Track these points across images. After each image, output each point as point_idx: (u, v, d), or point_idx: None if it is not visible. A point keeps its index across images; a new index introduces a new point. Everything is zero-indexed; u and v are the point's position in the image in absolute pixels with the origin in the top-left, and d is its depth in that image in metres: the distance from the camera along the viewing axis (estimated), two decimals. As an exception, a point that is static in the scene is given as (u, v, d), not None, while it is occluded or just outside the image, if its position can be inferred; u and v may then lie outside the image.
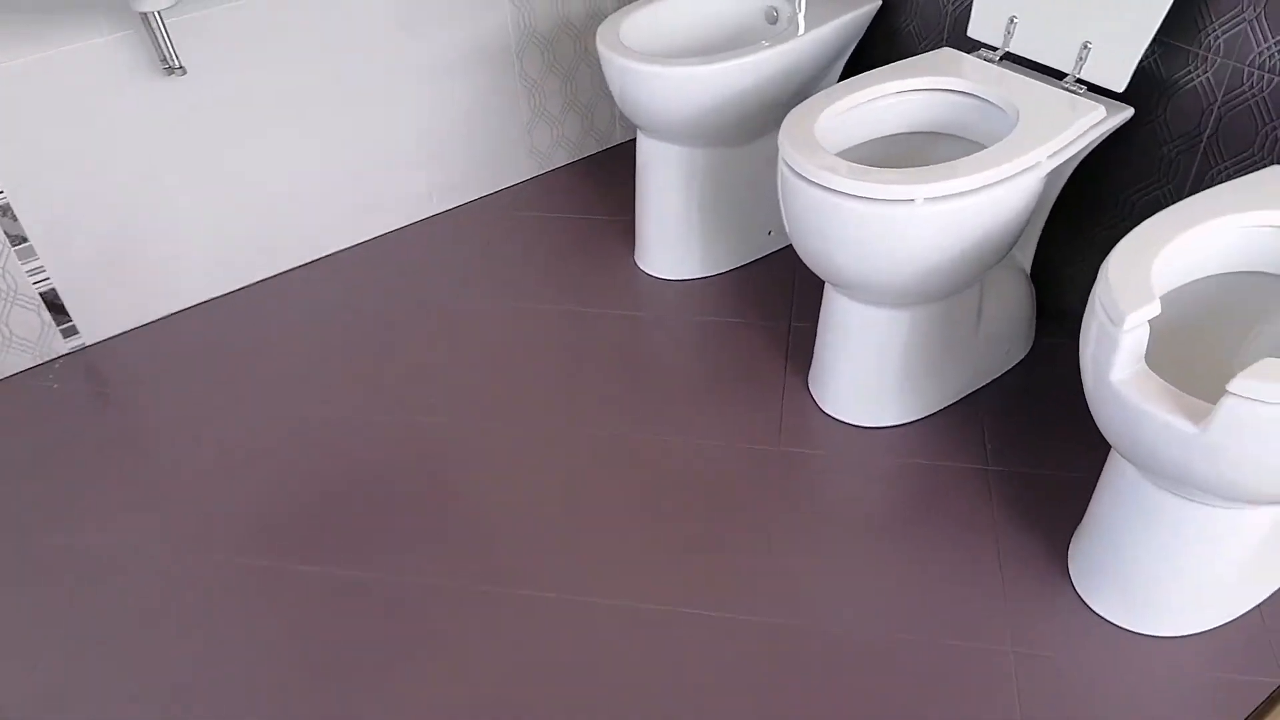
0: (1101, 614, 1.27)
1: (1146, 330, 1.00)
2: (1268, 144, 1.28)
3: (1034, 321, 1.64)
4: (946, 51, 1.50)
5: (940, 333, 1.47)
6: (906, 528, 1.40)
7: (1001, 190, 1.25)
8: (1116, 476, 1.21)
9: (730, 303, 1.83)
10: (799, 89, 1.70)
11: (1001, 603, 1.29)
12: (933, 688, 1.20)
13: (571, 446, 1.56)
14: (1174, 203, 1.41)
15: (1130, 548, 1.21)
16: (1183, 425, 0.97)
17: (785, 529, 1.41)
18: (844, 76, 1.83)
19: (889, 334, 1.45)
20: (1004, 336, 1.59)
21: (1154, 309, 0.99)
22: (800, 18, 1.68)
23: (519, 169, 2.20)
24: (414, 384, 1.69)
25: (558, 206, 2.13)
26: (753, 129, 1.73)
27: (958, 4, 1.61)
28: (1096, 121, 1.32)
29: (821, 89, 1.78)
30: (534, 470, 1.52)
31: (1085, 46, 1.36)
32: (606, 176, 2.22)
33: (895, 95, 1.44)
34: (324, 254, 2.01)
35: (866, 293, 1.38)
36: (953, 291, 1.39)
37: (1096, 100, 1.35)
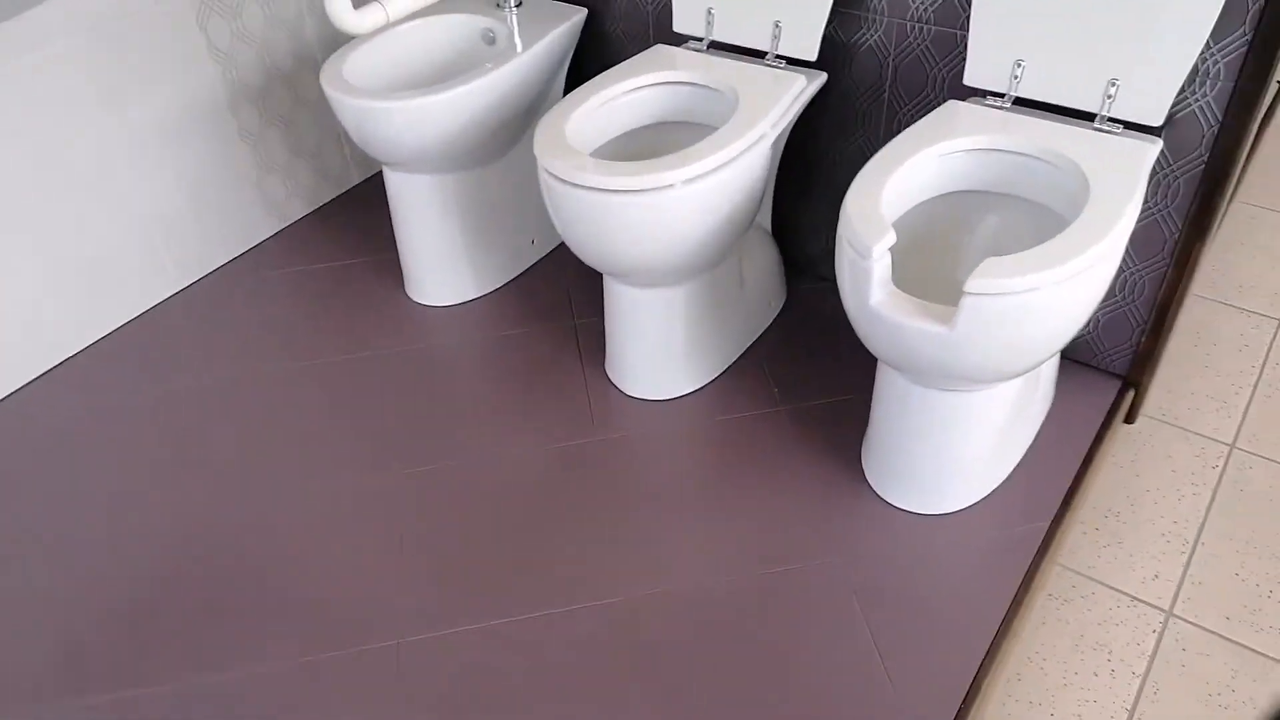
0: (899, 505, 1.47)
1: (889, 257, 1.18)
2: (938, 83, 1.52)
3: (784, 273, 1.84)
4: (659, 48, 1.64)
5: (713, 300, 1.61)
6: (723, 479, 1.53)
7: (743, 162, 1.40)
8: (887, 386, 1.40)
9: (512, 315, 1.89)
10: (531, 103, 1.79)
11: (819, 520, 1.46)
12: (787, 610, 1.34)
13: (386, 492, 1.56)
14: (876, 148, 1.65)
15: (908, 443, 1.40)
16: (936, 329, 1.15)
17: (618, 508, 1.50)
18: (568, 82, 1.94)
19: (670, 310, 1.58)
20: (764, 292, 1.76)
21: (891, 238, 1.17)
22: (516, 37, 1.77)
23: (259, 228, 2.13)
24: (199, 470, 1.61)
25: (311, 257, 2.09)
26: (497, 146, 1.80)
27: (655, 4, 1.76)
28: (800, 90, 1.51)
29: (550, 98, 1.88)
30: (353, 526, 1.51)
31: (777, 26, 1.54)
32: (355, 218, 2.20)
33: (628, 94, 1.56)
34: (66, 355, 1.85)
35: (644, 277, 1.50)
36: (718, 261, 1.54)
37: (796, 71, 1.54)
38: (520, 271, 2.00)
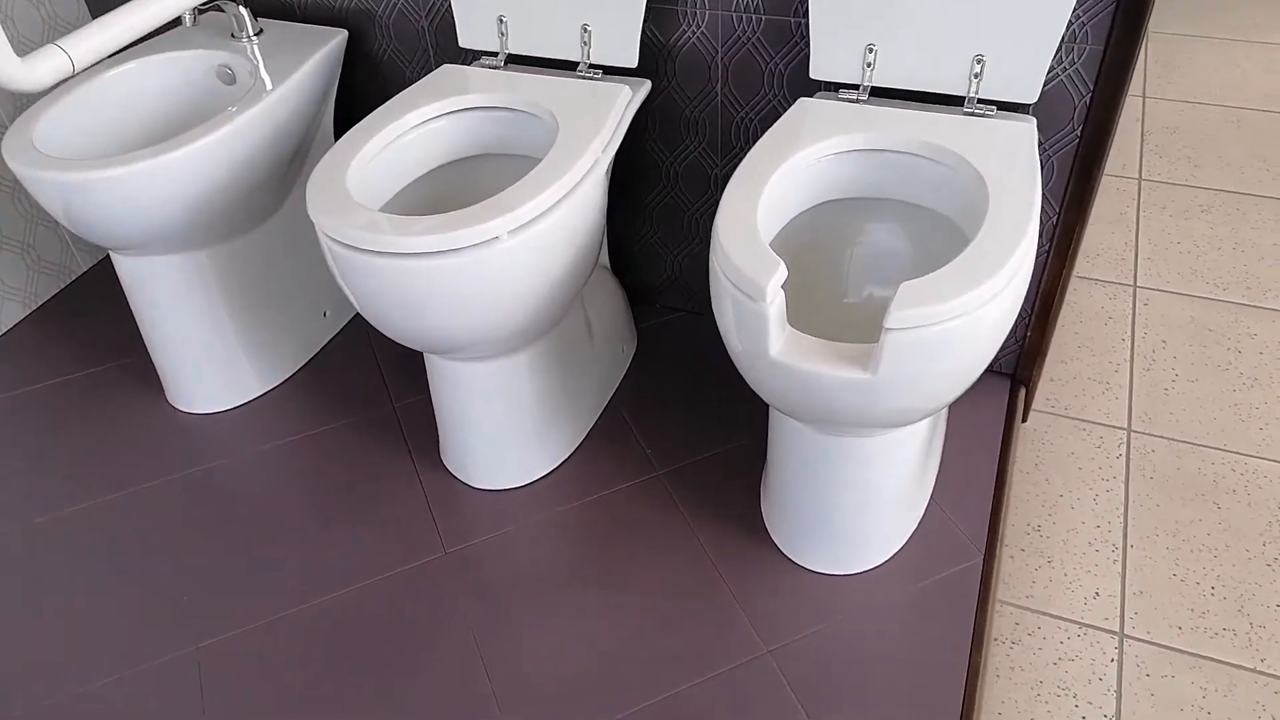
0: (818, 569, 1.26)
1: (783, 295, 0.96)
2: (776, 80, 1.32)
3: (630, 311, 1.59)
4: (447, 69, 1.35)
5: (561, 362, 1.35)
6: (607, 573, 1.27)
7: (580, 195, 1.14)
8: (787, 438, 1.19)
9: (312, 411, 1.54)
10: (293, 150, 1.45)
11: (731, 604, 1.22)
12: (709, 692, 1.10)
13: (173, 676, 1.19)
14: (714, 159, 1.44)
15: (819, 499, 1.20)
16: (855, 375, 0.94)
17: (486, 634, 1.20)
18: (338, 119, 1.61)
19: (511, 383, 1.30)
20: (615, 338, 1.51)
21: (783, 272, 0.95)
22: (262, 72, 1.43)
23: (-42, 346, 1.67)
24: (-80, 693, 1.18)
25: (37, 372, 1.64)
26: (257, 208, 1.45)
27: (432, 17, 1.47)
28: (626, 101, 1.27)
29: (319, 142, 1.54)
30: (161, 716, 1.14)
31: (586, 30, 1.29)
32: (88, 314, 1.77)
33: (419, 127, 1.26)
34: None
35: (475, 350, 1.21)
36: (563, 315, 1.27)
37: (616, 81, 1.30)
38: (314, 353, 1.65)
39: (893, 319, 0.90)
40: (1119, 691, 1.19)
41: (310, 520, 1.36)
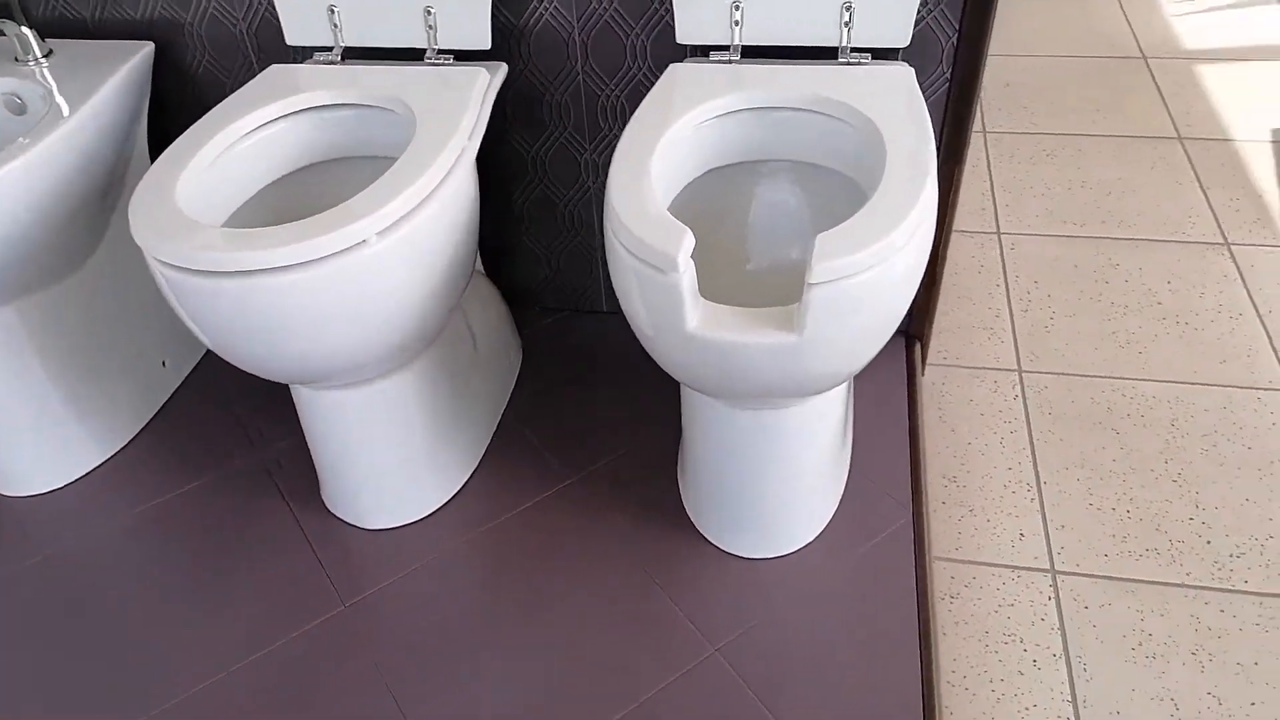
0: (753, 555, 1.19)
1: (694, 265, 0.89)
2: (640, 52, 1.26)
3: (512, 317, 1.49)
4: (276, 70, 1.21)
5: (446, 378, 1.23)
6: (535, 588, 1.16)
7: (451, 187, 1.04)
8: (706, 421, 1.12)
9: (166, 469, 1.36)
10: (105, 177, 1.28)
11: (663, 598, 1.14)
12: (664, 705, 1.02)
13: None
14: (583, 144, 1.34)
15: (746, 482, 1.13)
16: (781, 339, 0.88)
17: (422, 675, 1.08)
18: (154, 142, 1.44)
19: (394, 408, 1.17)
20: (501, 347, 1.41)
21: (691, 239, 0.88)
22: (56, 96, 1.25)
23: None
24: None
25: None
26: (71, 247, 1.27)
27: (250, 18, 1.32)
28: (485, 85, 1.17)
29: (134, 167, 1.37)
30: None
31: (429, 13, 1.19)
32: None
33: (254, 134, 1.13)
34: None
35: (349, 376, 1.08)
36: (443, 327, 1.16)
37: (470, 66, 1.20)
38: (158, 408, 1.46)
39: (817, 272, 0.84)
40: (1062, 628, 1.18)
41: (177, 598, 1.19)
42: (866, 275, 0.86)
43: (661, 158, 1.03)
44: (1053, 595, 1.21)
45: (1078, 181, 1.89)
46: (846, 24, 1.12)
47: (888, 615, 1.12)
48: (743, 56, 1.17)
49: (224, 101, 1.14)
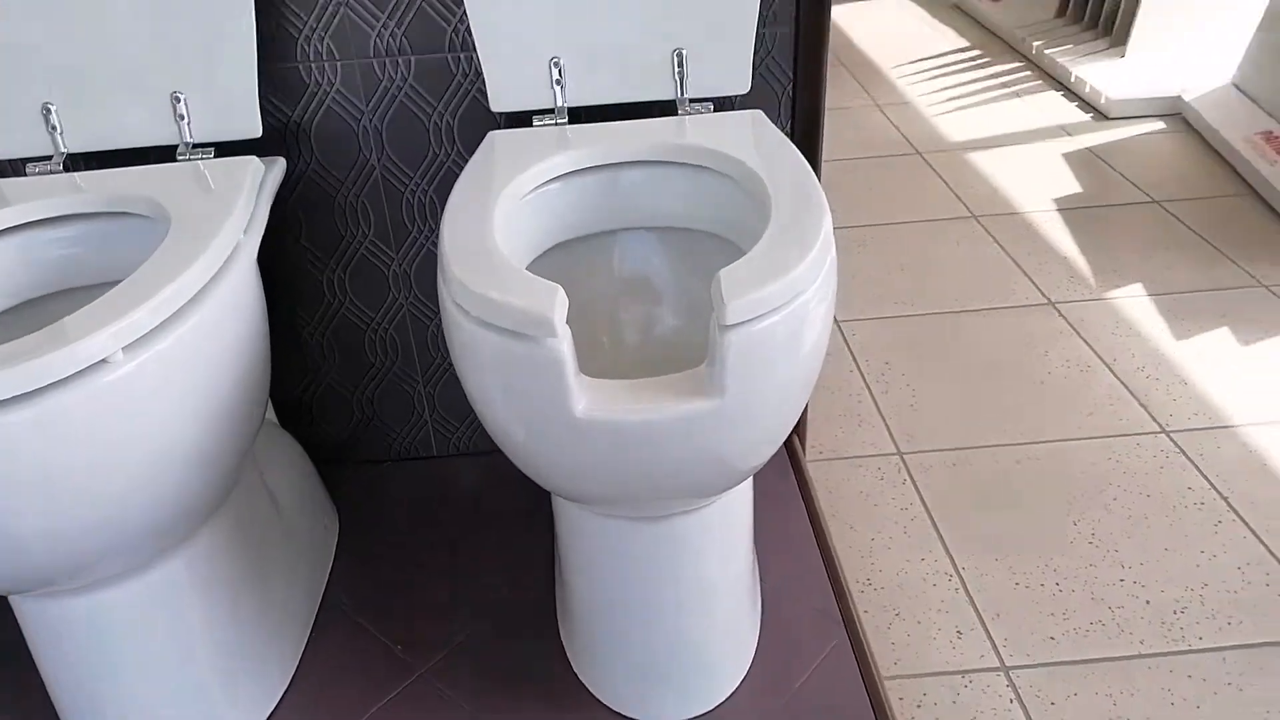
0: (672, 717, 0.95)
1: (570, 332, 0.68)
2: (446, 133, 1.08)
3: (320, 476, 1.20)
4: (-30, 184, 0.93)
5: (242, 560, 0.93)
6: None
7: (225, 289, 0.78)
8: (588, 549, 0.89)
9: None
10: None
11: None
12: None
13: None
14: (392, 255, 1.11)
15: (646, 623, 0.90)
16: (700, 407, 0.68)
17: None
18: None
19: (169, 609, 0.86)
20: (311, 512, 1.11)
21: (564, 298, 0.68)
22: None
23: None
24: None
25: None
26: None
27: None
28: (258, 174, 0.94)
29: None
30: None
31: (178, 100, 0.96)
32: None
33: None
34: None
35: (95, 569, 0.77)
36: (232, 485, 0.87)
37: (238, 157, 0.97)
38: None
39: (731, 312, 0.66)
40: (1037, 729, 1.00)
41: None
42: (786, 313, 0.69)
43: (496, 229, 0.83)
44: (1013, 696, 1.04)
45: (895, 265, 1.87)
46: (680, 72, 1.00)
47: (852, 756, 0.90)
48: (570, 120, 1.02)
49: (-110, 223, 0.85)
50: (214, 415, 0.78)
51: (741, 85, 1.01)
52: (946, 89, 2.74)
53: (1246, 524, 1.24)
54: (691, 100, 1.01)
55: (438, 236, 0.79)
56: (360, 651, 1.03)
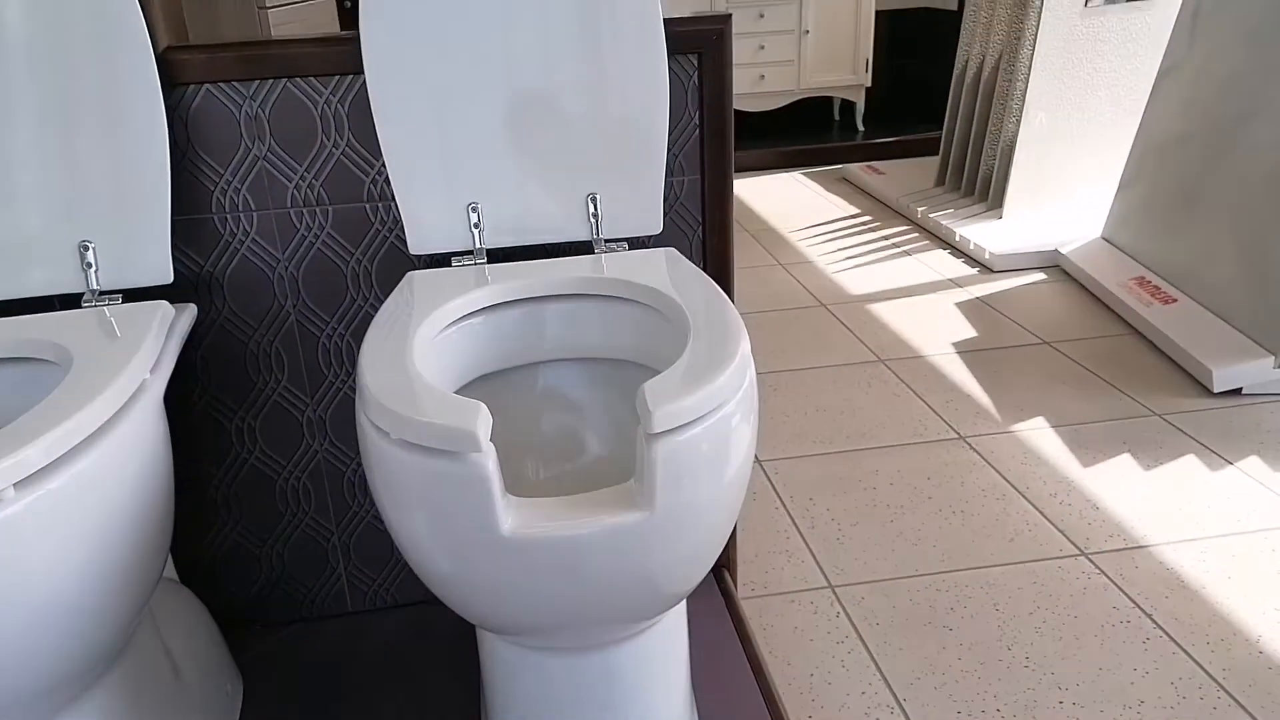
0: None
1: (494, 449, 0.67)
2: (363, 280, 1.08)
3: (224, 640, 1.12)
4: None
5: None
6: None
7: (127, 428, 0.75)
8: (518, 694, 0.84)
9: None
10: None
11: None
12: None
13: None
14: (304, 400, 1.10)
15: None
16: (628, 519, 0.67)
17: None
18: None
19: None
20: (214, 675, 1.03)
21: (487, 413, 0.67)
22: None
23: None
24: None
25: None
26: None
27: None
28: (167, 318, 0.92)
29: None
30: None
31: (86, 248, 0.94)
32: None
33: None
34: None
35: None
36: (124, 642, 0.80)
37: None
38: None
39: (657, 419, 0.66)
40: None
41: None
42: (710, 422, 0.70)
43: (416, 359, 0.83)
44: (968, 828, 1.00)
45: (811, 407, 1.91)
46: (594, 216, 1.04)
47: None
48: (490, 261, 1.04)
49: None
50: (109, 563, 0.73)
51: (654, 226, 1.05)
52: (843, 249, 2.91)
53: (1174, 640, 1.25)
54: (607, 240, 1.05)
55: (356, 372, 0.78)
56: (266, 833, 0.93)
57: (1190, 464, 1.65)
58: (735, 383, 0.73)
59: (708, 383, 0.70)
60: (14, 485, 0.64)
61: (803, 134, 4.02)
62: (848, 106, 4.17)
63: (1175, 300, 2.17)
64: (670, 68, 1.05)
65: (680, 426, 0.67)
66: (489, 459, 0.65)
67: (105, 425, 0.73)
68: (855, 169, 3.62)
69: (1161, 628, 1.28)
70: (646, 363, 0.94)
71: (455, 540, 0.68)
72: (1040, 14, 2.65)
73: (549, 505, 0.68)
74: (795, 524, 1.54)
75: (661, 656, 0.86)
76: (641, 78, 1.00)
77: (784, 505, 1.59)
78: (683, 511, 0.69)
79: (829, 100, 4.23)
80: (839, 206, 3.35)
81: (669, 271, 0.96)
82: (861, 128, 4.07)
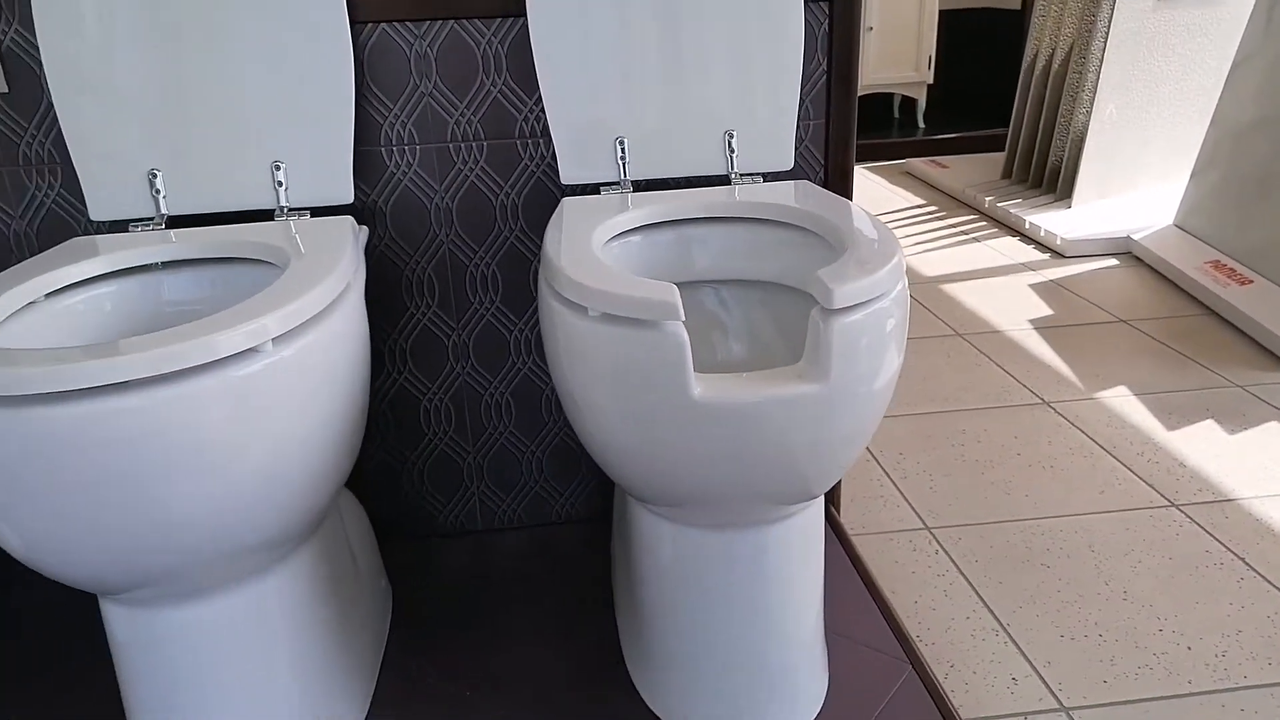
0: (754, 751, 0.94)
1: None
2: (509, 213, 1.17)
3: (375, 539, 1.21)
4: (80, 240, 0.99)
5: (326, 595, 0.93)
6: None
7: (347, 310, 0.84)
8: (672, 574, 0.91)
9: None
10: None
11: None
12: None
13: None
14: (451, 327, 1.17)
15: (727, 647, 0.92)
16: (806, 390, 0.74)
17: None
18: None
19: (256, 628, 0.86)
20: (375, 571, 1.12)
21: (674, 287, 0.75)
22: None
23: None
24: None
25: None
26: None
27: (29, 215, 1.10)
28: (356, 233, 1.01)
29: None
30: None
31: (278, 168, 1.04)
32: None
33: (63, 297, 0.88)
34: None
35: (202, 571, 0.78)
36: (325, 512, 0.89)
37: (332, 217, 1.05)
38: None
39: (838, 297, 0.73)
40: (1111, 763, 1.01)
41: None
42: (878, 305, 0.77)
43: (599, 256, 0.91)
44: (1078, 733, 1.05)
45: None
46: (731, 152, 1.12)
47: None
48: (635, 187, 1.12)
49: (16, 266, 0.90)
50: (332, 424, 0.82)
51: (785, 162, 1.13)
52: (913, 235, 2.96)
53: (1268, 580, 1.30)
54: (741, 174, 1.13)
55: (542, 263, 0.85)
56: (420, 697, 1.01)
57: (1274, 429, 1.69)
58: (894, 277, 0.80)
59: (877, 269, 0.77)
60: (272, 340, 0.73)
61: (864, 129, 4.08)
62: (908, 104, 4.23)
63: (1251, 281, 2.20)
64: (805, 16, 1.12)
65: (854, 305, 0.75)
66: (683, 329, 0.73)
67: (326, 309, 0.82)
68: (919, 163, 3.67)
69: (1254, 569, 1.32)
70: (793, 284, 1.01)
71: (646, 409, 0.76)
72: (1114, 7, 2.69)
73: (731, 379, 0.76)
74: (888, 474, 1.60)
75: (803, 544, 0.93)
76: (778, 24, 1.08)
77: (874, 457, 1.65)
78: (854, 385, 0.76)
79: (889, 97, 4.29)
80: (904, 198, 3.41)
81: (811, 197, 1.03)
82: (922, 124, 4.12)
